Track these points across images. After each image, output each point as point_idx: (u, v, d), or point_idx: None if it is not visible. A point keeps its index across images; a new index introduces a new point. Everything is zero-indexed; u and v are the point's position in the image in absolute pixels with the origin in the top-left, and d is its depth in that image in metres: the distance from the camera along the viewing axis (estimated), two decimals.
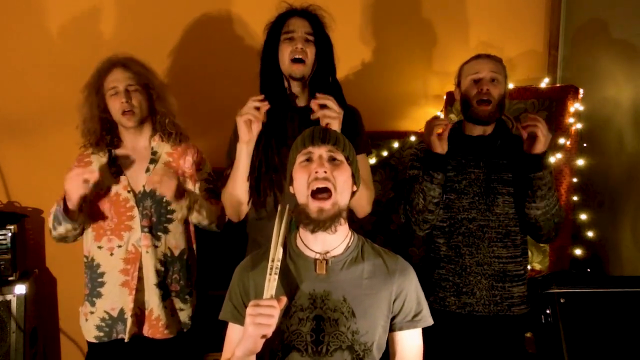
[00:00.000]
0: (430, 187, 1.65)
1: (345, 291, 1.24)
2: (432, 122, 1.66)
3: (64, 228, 1.69)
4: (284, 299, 1.16)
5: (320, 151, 1.23)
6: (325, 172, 1.20)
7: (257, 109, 1.57)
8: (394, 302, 1.26)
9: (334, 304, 1.23)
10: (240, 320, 1.23)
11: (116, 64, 1.74)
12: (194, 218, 1.78)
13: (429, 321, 1.29)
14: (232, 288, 1.31)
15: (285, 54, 1.66)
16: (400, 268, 1.29)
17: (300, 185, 1.23)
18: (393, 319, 1.27)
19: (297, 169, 1.25)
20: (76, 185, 1.58)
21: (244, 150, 1.61)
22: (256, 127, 1.58)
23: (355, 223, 1.70)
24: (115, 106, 1.72)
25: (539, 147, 1.56)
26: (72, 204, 1.61)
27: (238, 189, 1.64)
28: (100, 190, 1.75)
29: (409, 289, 1.28)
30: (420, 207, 1.68)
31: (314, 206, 1.20)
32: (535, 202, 1.61)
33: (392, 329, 1.27)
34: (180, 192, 1.71)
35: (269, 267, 1.20)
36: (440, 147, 1.62)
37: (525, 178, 1.62)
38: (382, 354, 1.28)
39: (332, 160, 1.23)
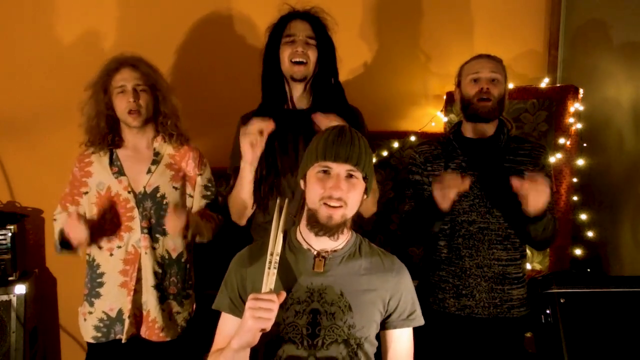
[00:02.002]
0: (428, 226, 1.66)
1: (342, 286, 1.25)
2: (447, 182, 1.54)
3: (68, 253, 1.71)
4: (283, 294, 1.17)
5: (340, 169, 1.21)
6: (341, 192, 1.20)
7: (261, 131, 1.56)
8: (389, 301, 1.28)
9: (331, 297, 1.24)
10: (236, 312, 1.24)
11: (125, 64, 1.74)
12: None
13: (422, 321, 1.32)
14: (229, 279, 1.31)
15: (286, 56, 1.66)
16: (397, 268, 1.31)
17: (313, 196, 1.23)
18: (388, 317, 1.29)
19: (312, 178, 1.24)
20: (79, 230, 1.59)
21: (247, 170, 1.62)
22: (259, 149, 1.57)
23: (355, 223, 1.71)
24: (122, 105, 1.72)
25: (530, 211, 1.51)
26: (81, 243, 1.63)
27: (242, 200, 1.67)
28: (100, 191, 1.75)
29: (405, 288, 1.30)
30: (415, 234, 1.71)
31: (324, 212, 1.21)
32: (529, 232, 1.62)
33: (385, 327, 1.29)
34: (187, 227, 1.68)
35: (267, 260, 1.20)
36: (446, 204, 1.55)
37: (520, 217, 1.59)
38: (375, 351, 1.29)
39: (349, 176, 1.22)
